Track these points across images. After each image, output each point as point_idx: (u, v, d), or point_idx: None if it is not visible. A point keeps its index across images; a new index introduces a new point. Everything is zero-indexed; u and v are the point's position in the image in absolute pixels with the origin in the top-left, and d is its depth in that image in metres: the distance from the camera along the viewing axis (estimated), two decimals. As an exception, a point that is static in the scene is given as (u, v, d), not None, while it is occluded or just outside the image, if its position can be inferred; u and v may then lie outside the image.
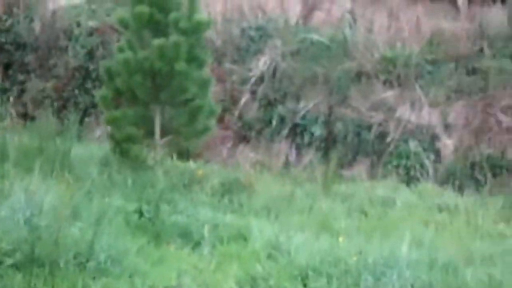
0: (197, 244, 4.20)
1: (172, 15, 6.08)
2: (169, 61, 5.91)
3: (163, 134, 6.21)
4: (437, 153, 8.87)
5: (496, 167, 8.04)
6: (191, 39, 6.04)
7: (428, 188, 7.13)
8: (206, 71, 6.39)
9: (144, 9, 5.97)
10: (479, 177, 7.89)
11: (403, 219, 5.57)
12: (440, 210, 6.13)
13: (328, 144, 9.24)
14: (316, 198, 6.13)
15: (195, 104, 6.17)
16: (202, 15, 6.40)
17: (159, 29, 6.09)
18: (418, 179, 7.99)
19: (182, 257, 3.90)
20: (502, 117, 8.20)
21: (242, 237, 4.39)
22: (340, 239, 4.33)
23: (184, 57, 5.95)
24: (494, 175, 8.02)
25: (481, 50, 8.76)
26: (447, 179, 8.35)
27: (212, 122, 6.52)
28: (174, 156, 6.53)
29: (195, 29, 6.08)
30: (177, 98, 6.17)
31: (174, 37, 5.92)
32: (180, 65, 5.93)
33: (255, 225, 4.55)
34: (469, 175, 8.10)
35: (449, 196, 6.80)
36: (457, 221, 5.70)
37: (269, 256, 3.94)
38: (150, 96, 6.11)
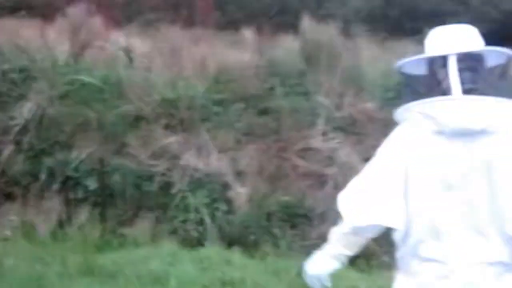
0: None
1: None
2: None
3: None
4: (230, 203, 8.34)
5: (295, 216, 6.88)
6: None
7: (213, 254, 5.74)
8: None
9: None
10: (276, 230, 6.65)
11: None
12: (224, 284, 4.78)
13: (105, 198, 8.21)
14: (73, 280, 4.57)
15: None
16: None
17: None
18: (204, 239, 6.57)
19: None
20: (298, 161, 7.12)
21: None
22: None
23: None
24: (293, 226, 6.83)
25: (272, 88, 7.71)
26: (241, 234, 6.97)
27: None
28: None
29: None
30: None
31: None
32: None
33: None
34: (264, 228, 6.82)
35: (236, 263, 5.46)
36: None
37: None
38: None
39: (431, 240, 2.48)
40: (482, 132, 2.40)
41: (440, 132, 2.45)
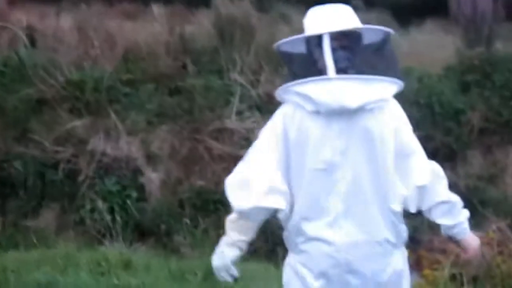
0: None
1: None
2: None
3: None
4: (141, 190, 7.80)
5: (210, 203, 6.51)
6: None
7: (113, 256, 5.22)
8: None
9: None
10: (187, 220, 6.30)
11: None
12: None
13: (5, 189, 7.64)
14: None
15: None
16: None
17: None
18: (112, 230, 6.15)
19: None
20: (212, 143, 6.74)
21: None
22: None
23: None
24: (207, 213, 6.48)
25: (185, 66, 7.28)
26: (153, 223, 6.59)
27: None
28: None
29: None
30: None
31: None
32: None
33: None
34: (178, 215, 6.45)
35: (137, 266, 5.01)
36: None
37: None
38: None
39: (315, 219, 2.49)
40: (359, 110, 2.41)
41: (318, 112, 2.45)
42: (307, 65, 2.51)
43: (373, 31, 2.52)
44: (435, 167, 2.57)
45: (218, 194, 7.49)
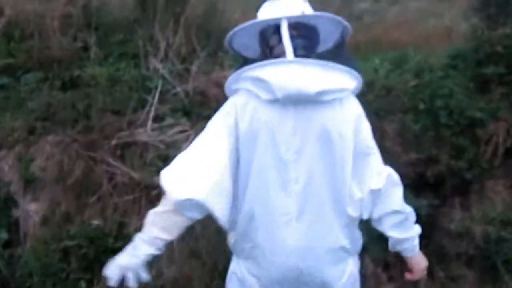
0: None
1: None
2: None
3: None
4: (14, 229, 5.35)
5: (108, 252, 4.42)
6: None
7: None
8: None
9: None
10: (75, 277, 4.05)
11: None
12: None
13: None
14: None
15: None
16: None
17: None
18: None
19: None
20: (116, 164, 6.11)
21: None
22: None
23: None
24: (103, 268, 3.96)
25: (86, 48, 5.19)
26: (25, 283, 4.16)
27: None
28: None
29: None
30: None
31: None
32: None
33: None
34: (59, 272, 4.03)
35: None
36: None
37: None
38: None
39: (265, 222, 2.35)
40: (317, 103, 2.30)
41: (272, 101, 2.33)
42: (262, 53, 2.44)
43: (330, 21, 2.42)
44: (391, 172, 2.44)
45: (120, 241, 5.11)
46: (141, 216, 5.40)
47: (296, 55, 2.31)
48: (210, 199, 2.30)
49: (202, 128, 6.46)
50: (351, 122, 2.36)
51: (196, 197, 2.29)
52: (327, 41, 2.47)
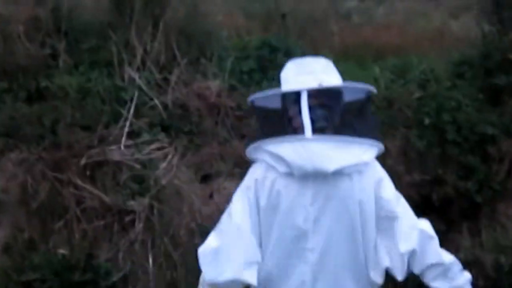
0: None
1: None
2: None
3: None
4: None
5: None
6: None
7: None
8: None
9: None
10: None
11: None
12: None
13: None
14: None
15: None
16: None
17: None
18: None
19: None
20: (86, 187, 5.01)
21: None
22: None
23: None
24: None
25: (55, 56, 4.61)
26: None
27: None
28: None
29: None
30: None
31: None
32: None
33: None
34: None
35: None
36: None
37: None
38: None
39: (281, 287, 2.41)
40: (336, 174, 2.32)
41: (291, 174, 2.36)
42: (282, 122, 2.43)
43: (355, 88, 2.44)
44: (424, 226, 2.42)
45: (88, 273, 4.55)
46: (113, 244, 4.89)
47: (315, 127, 2.31)
48: (247, 277, 2.38)
49: (182, 145, 5.95)
50: (371, 189, 2.38)
51: (234, 277, 2.37)
52: (351, 106, 2.44)
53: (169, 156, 4.92)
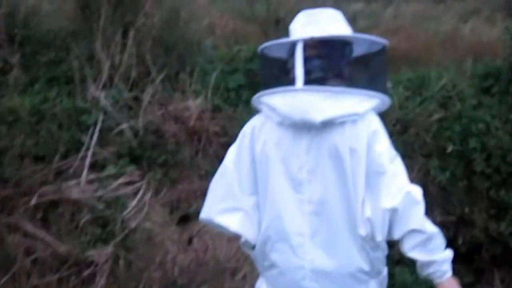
0: None
1: None
2: None
3: None
4: None
5: None
6: None
7: None
8: None
9: None
10: None
11: None
12: None
13: None
14: None
15: None
16: None
17: None
18: None
19: None
20: (37, 232, 4.64)
21: None
22: None
23: None
24: None
25: (5, 71, 3.51)
26: None
27: None
28: None
29: None
30: None
31: None
32: None
33: None
34: None
35: None
36: None
37: None
38: None
39: (279, 242, 2.39)
40: (327, 124, 2.31)
41: (285, 124, 2.39)
42: (282, 74, 2.43)
43: (366, 41, 2.40)
44: (412, 190, 2.32)
45: None
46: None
47: (311, 77, 2.29)
48: (243, 231, 2.41)
49: (156, 180, 5.13)
50: (364, 138, 2.30)
51: (232, 229, 2.41)
52: (359, 58, 2.39)
53: (140, 193, 4.12)
